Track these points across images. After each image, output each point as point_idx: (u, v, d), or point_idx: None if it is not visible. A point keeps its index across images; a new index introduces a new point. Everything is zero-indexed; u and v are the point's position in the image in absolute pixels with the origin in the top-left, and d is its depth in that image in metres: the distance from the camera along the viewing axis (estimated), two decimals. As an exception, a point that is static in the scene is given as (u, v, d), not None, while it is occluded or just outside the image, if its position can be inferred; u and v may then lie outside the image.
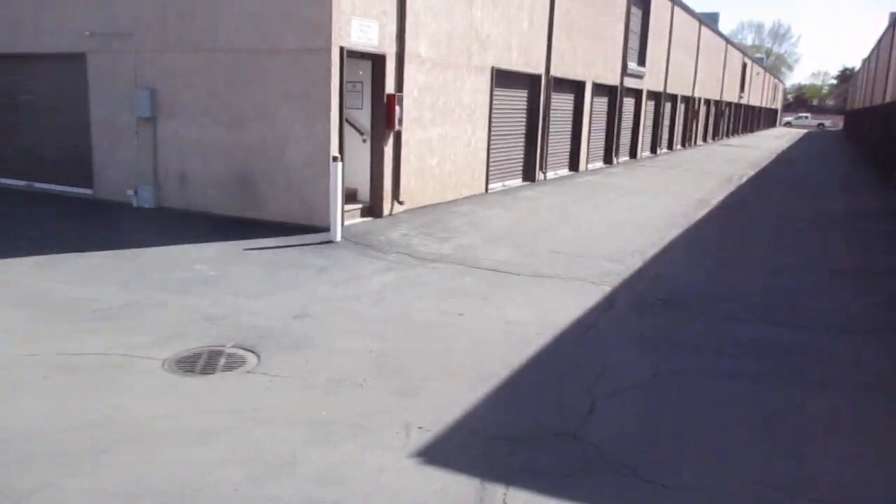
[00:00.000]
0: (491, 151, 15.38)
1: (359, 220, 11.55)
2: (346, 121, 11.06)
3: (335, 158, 9.96)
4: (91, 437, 4.42)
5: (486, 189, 15.38)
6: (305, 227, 10.65)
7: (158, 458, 4.18)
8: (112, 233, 10.57)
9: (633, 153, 27.69)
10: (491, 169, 15.53)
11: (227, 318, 6.75)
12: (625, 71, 24.47)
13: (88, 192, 12.98)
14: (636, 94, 27.12)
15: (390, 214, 12.05)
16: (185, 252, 9.23)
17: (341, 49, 10.37)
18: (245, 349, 5.97)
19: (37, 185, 13.74)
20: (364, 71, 11.64)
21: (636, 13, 25.75)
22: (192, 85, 11.48)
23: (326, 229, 10.19)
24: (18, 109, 13.90)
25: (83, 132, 12.79)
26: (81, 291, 7.47)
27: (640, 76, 26.49)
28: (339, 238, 9.99)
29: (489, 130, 15.07)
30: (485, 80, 14.57)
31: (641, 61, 26.66)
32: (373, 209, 11.87)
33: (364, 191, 12.07)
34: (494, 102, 15.18)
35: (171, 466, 4.09)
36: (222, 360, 5.75)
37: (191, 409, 4.87)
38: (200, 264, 8.64)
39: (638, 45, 26.48)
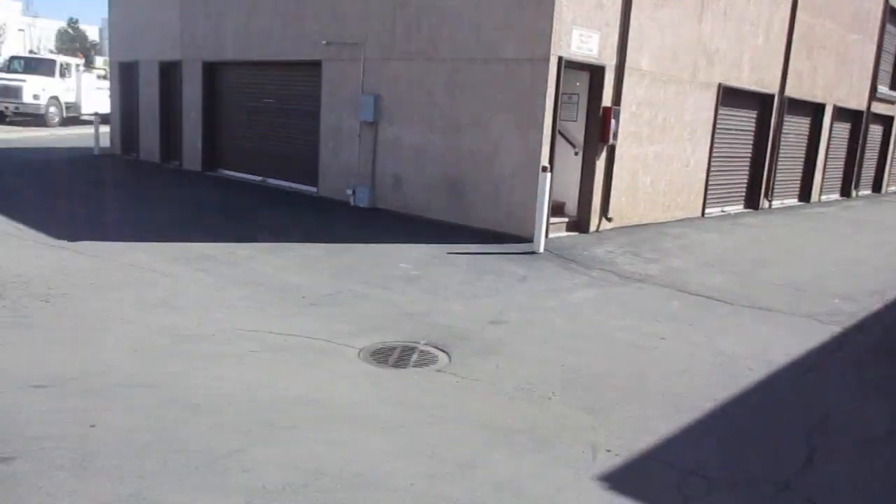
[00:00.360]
0: (711, 173, 14.43)
1: (564, 233, 11.30)
2: (559, 132, 10.88)
3: (544, 169, 9.81)
4: (283, 412, 4.58)
5: (703, 213, 14.44)
6: (509, 237, 10.59)
7: (341, 441, 4.23)
8: (328, 228, 11.21)
9: (876, 186, 24.79)
10: (710, 192, 14.56)
11: (424, 317, 6.81)
12: (873, 95, 21.99)
13: (313, 190, 13.94)
14: (886, 121, 24.26)
15: (597, 231, 11.67)
16: (392, 251, 9.53)
17: (559, 59, 10.22)
18: (437, 348, 5.96)
19: (270, 180, 15.01)
20: (581, 82, 11.40)
21: (893, 31, 23.08)
22: (412, 92, 11.92)
23: (530, 240, 10.06)
24: (260, 112, 15.30)
25: (313, 134, 13.77)
26: (295, 278, 7.93)
27: (892, 101, 23.69)
28: (542, 249, 9.81)
29: (710, 151, 14.15)
30: (709, 98, 13.72)
31: (894, 85, 23.84)
32: (579, 224, 11.56)
33: (571, 204, 11.80)
34: (719, 122, 14.23)
35: (351, 451, 4.11)
36: (414, 356, 5.78)
37: (378, 399, 4.92)
38: (405, 263, 8.86)
39: (892, 67, 23.70)
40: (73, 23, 64.78)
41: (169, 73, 17.36)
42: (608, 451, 4.31)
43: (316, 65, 13.46)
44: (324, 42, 13.12)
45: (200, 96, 16.35)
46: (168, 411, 4.49)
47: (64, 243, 8.87)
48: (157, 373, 5.11)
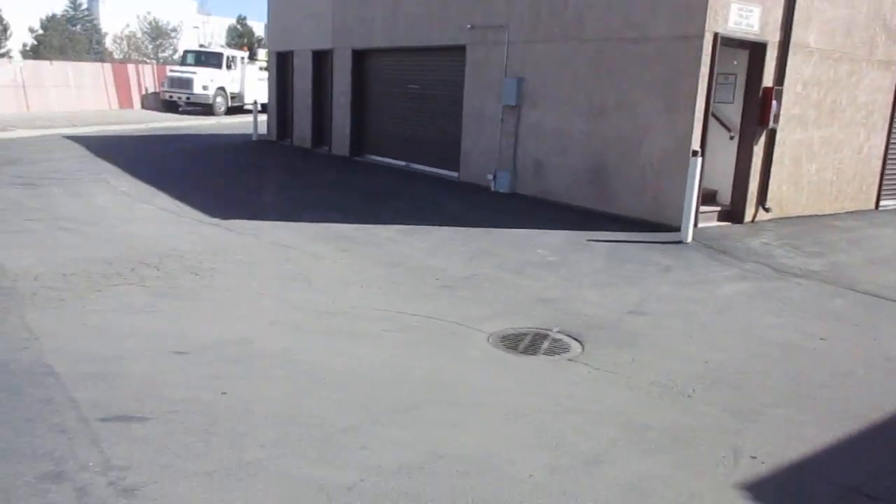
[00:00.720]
0: (888, 162, 13.03)
1: (714, 223, 10.59)
2: (712, 115, 10.18)
3: (695, 153, 9.20)
4: (407, 392, 4.51)
5: (877, 205, 13.08)
6: (655, 225, 10.05)
7: (463, 425, 4.09)
8: (467, 212, 11.14)
9: None
10: (886, 182, 13.16)
11: (559, 303, 6.56)
12: None
13: (454, 175, 13.94)
14: None
15: (752, 221, 10.84)
16: (530, 236, 9.31)
17: (715, 36, 9.53)
18: (571, 336, 5.70)
19: (413, 165, 15.18)
20: (739, 61, 10.60)
21: None
22: (556, 74, 11.58)
23: (677, 229, 9.49)
24: (405, 98, 15.49)
25: (455, 119, 13.75)
26: (432, 260, 7.90)
27: None
28: (689, 239, 9.23)
29: (888, 137, 12.77)
30: (889, 77, 12.37)
31: None
32: (732, 214, 10.79)
33: (724, 193, 11.04)
34: (900, 104, 12.81)
35: (472, 435, 3.97)
36: (546, 343, 5.55)
37: (505, 386, 4.74)
38: (543, 249, 8.61)
39: None
40: (241, 19, 69.00)
41: (321, 61, 17.98)
42: (753, 457, 3.89)
43: (460, 49, 13.41)
44: (468, 26, 13.04)
45: (349, 83, 16.81)
46: (295, 384, 4.54)
47: (217, 221, 9.35)
48: (289, 346, 5.21)
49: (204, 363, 4.80)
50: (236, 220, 9.39)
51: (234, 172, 14.93)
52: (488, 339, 5.58)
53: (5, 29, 46.30)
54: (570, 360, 5.26)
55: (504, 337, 5.66)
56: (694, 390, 4.77)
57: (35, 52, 41.51)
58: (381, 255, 8.04)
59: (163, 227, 8.94)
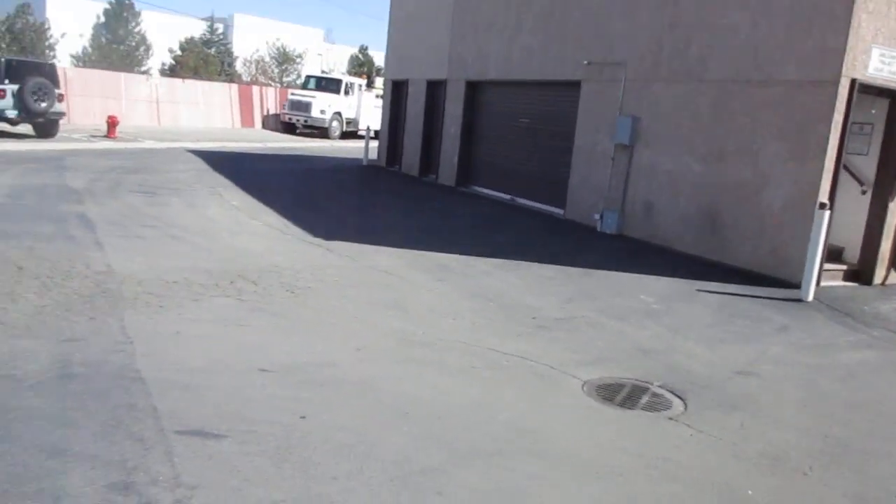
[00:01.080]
0: None
1: (839, 283, 9.79)
2: (843, 166, 9.46)
3: (823, 206, 8.54)
4: (490, 435, 4.24)
5: None
6: (771, 279, 9.38)
7: (546, 478, 3.78)
8: (569, 251, 10.79)
9: None
10: None
11: (661, 355, 6.13)
12: None
13: (559, 211, 13.62)
14: None
15: (882, 284, 9.96)
16: (634, 281, 8.87)
17: (852, 82, 8.88)
18: (673, 393, 5.28)
19: (518, 199, 14.96)
20: (877, 110, 9.84)
21: None
22: (673, 114, 11.13)
23: (797, 286, 8.81)
24: (515, 131, 15.35)
25: (564, 155, 13.46)
26: (528, 298, 7.62)
27: None
28: (810, 298, 8.54)
29: None
30: None
31: None
32: (859, 274, 9.96)
33: (852, 251, 10.22)
34: None
35: (557, 492, 3.66)
36: (645, 398, 5.16)
37: (597, 440, 4.39)
38: (647, 295, 8.17)
39: None
40: (363, 49, 71.42)
41: (434, 91, 18.15)
42: (881, 554, 3.40)
43: (574, 85, 13.16)
44: (585, 62, 12.79)
45: (460, 114, 16.85)
46: (377, 414, 4.36)
47: (319, 241, 9.42)
48: (375, 374, 5.05)
49: (287, 384, 4.70)
50: (338, 242, 9.43)
51: (341, 195, 15.18)
52: (582, 387, 5.24)
53: (148, 49, 49.68)
54: (670, 418, 4.85)
55: (600, 386, 5.31)
56: (811, 468, 4.27)
57: (172, 70, 44.28)
58: (476, 288, 7.83)
59: (266, 243, 9.08)
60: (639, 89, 11.77)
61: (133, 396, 4.19)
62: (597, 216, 12.40)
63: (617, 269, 9.40)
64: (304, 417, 4.16)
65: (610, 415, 4.82)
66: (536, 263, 9.32)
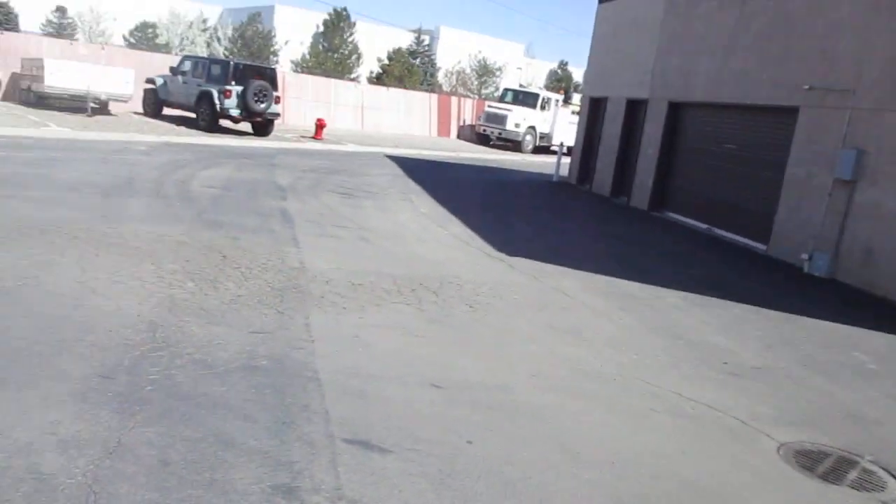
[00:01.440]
0: None
1: None
2: None
3: None
4: (668, 493, 3.85)
5: None
6: None
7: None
8: (771, 291, 9.87)
9: None
10: None
11: (876, 426, 5.36)
12: None
13: (762, 247, 12.56)
14: None
15: None
16: (846, 333, 7.91)
17: None
18: (888, 472, 4.56)
19: (715, 229, 14.00)
20: None
21: None
22: (910, 151, 9.85)
23: None
24: (716, 157, 14.39)
25: (773, 186, 12.40)
26: (719, 339, 7.01)
27: None
28: None
29: None
30: None
31: None
32: None
33: None
34: None
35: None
36: (853, 473, 4.50)
37: (793, 516, 3.86)
38: (861, 353, 7.23)
39: None
40: (562, 64, 71.25)
41: (633, 110, 17.53)
42: None
43: (790, 111, 12.08)
44: (805, 87, 11.70)
45: (660, 136, 16.12)
46: (546, 451, 4.12)
47: (503, 256, 9.31)
48: (547, 404, 4.81)
49: (458, 403, 4.58)
50: (521, 259, 9.27)
51: (529, 210, 15.04)
52: (778, 450, 4.66)
53: (359, 57, 52.82)
54: (883, 502, 4.17)
55: (799, 451, 4.70)
56: None
57: (378, 78, 46.73)
58: (663, 323, 7.33)
59: (450, 253, 9.12)
60: (869, 119, 10.56)
61: (308, 396, 4.26)
62: (805, 256, 11.27)
63: (826, 318, 8.44)
64: (470, 442, 4.01)
65: (809, 487, 4.24)
66: (732, 302, 8.60)
